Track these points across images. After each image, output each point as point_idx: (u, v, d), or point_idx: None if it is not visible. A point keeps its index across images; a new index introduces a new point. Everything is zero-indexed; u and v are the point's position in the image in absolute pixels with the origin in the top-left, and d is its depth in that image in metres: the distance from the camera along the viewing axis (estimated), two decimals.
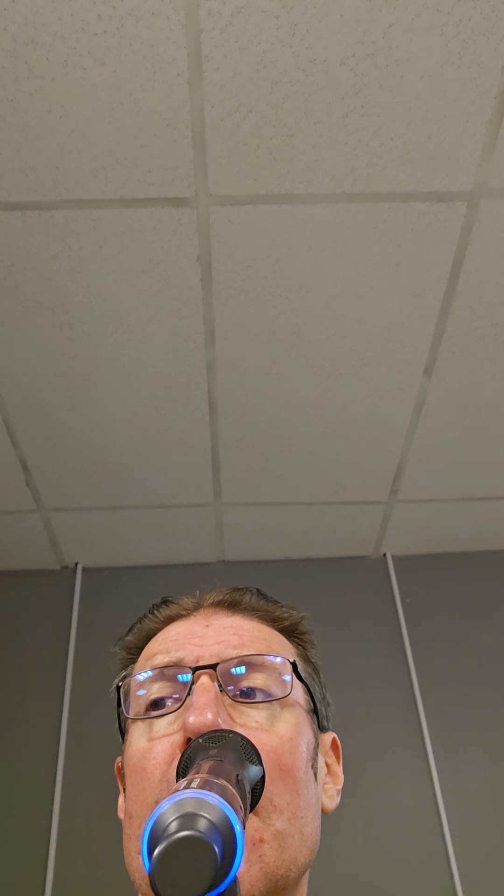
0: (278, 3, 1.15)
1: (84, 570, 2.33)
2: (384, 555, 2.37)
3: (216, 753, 0.53)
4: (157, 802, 0.60)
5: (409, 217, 1.44)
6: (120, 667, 0.79)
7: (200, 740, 0.57)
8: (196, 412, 1.83)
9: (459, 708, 2.07)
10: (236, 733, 0.58)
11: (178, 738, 0.63)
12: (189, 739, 0.60)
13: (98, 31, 1.17)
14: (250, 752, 0.56)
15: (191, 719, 0.60)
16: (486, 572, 2.33)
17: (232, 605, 0.76)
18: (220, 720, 0.61)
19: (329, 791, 0.72)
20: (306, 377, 1.76)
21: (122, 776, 0.72)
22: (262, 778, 0.57)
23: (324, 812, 0.69)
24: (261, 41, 1.19)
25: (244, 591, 0.77)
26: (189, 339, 1.66)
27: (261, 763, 0.57)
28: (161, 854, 0.39)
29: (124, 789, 0.69)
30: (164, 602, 0.78)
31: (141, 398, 1.80)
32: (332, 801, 0.71)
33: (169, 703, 0.67)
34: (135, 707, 0.69)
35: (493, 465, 2.04)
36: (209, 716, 0.60)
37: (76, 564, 2.33)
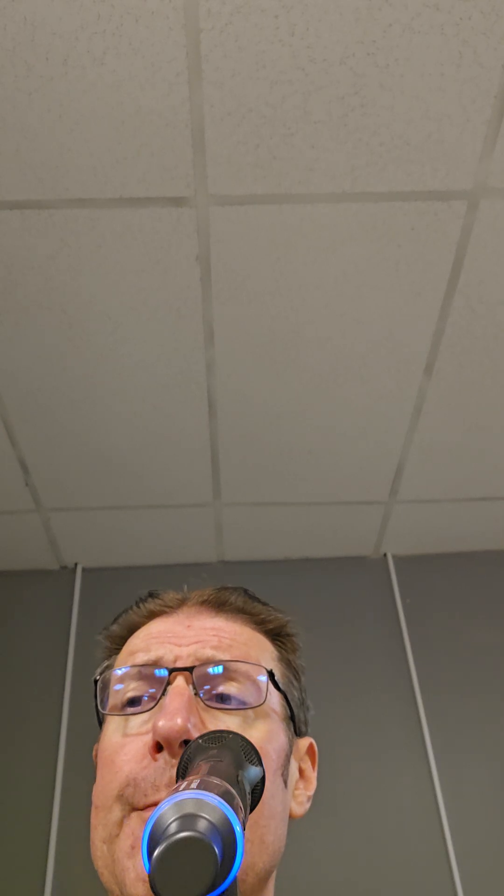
0: (277, 3, 1.15)
1: (84, 570, 2.33)
2: (384, 555, 2.37)
3: (216, 754, 0.53)
4: (121, 797, 0.61)
5: (409, 216, 1.44)
6: (103, 656, 0.79)
7: (200, 741, 0.56)
8: (195, 412, 1.83)
9: (459, 708, 2.06)
10: (236, 734, 0.57)
11: (149, 739, 0.63)
12: (157, 743, 0.61)
13: (97, 31, 1.17)
14: (250, 753, 0.56)
15: (160, 723, 0.60)
16: (486, 572, 2.33)
17: (217, 605, 0.75)
18: (189, 725, 0.61)
19: (299, 797, 0.72)
20: (306, 377, 1.76)
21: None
22: (263, 778, 0.57)
23: (292, 817, 0.69)
24: (260, 40, 1.19)
25: (231, 591, 0.77)
26: (188, 338, 1.65)
27: (261, 763, 0.57)
28: (161, 855, 0.39)
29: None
30: (150, 595, 0.78)
31: (140, 398, 1.79)
32: (301, 807, 0.71)
33: (145, 699, 0.67)
34: (112, 701, 0.69)
35: (493, 465, 2.04)
36: (179, 721, 0.60)
37: (76, 564, 2.33)
